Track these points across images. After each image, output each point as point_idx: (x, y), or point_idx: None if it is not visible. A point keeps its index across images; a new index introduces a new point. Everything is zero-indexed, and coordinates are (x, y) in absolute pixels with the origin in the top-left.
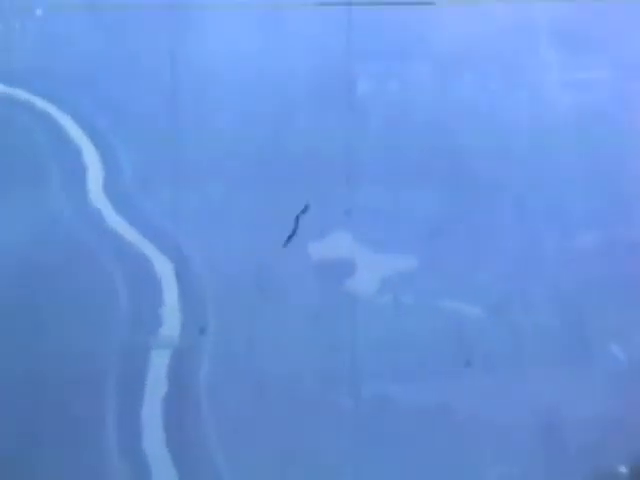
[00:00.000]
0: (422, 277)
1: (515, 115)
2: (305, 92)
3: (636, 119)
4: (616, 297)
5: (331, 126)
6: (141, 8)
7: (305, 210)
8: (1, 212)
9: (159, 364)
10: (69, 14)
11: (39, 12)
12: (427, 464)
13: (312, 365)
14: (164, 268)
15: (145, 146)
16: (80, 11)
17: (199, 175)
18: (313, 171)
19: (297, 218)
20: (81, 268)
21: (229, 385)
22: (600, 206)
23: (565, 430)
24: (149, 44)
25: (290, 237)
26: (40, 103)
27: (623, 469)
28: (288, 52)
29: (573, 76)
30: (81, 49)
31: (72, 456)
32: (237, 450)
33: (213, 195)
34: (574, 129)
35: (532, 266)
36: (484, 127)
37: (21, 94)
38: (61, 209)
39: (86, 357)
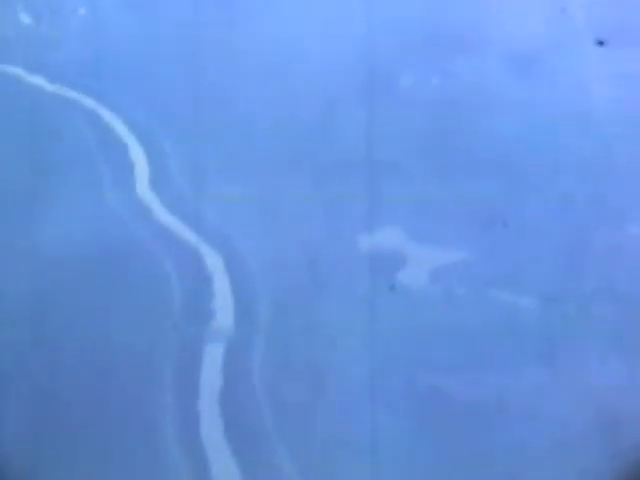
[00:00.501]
0: (474, 268)
1: (560, 106)
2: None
3: None
4: None
5: (375, 116)
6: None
7: None
8: (56, 209)
9: (214, 357)
10: (112, 11)
11: (82, 11)
12: (480, 457)
13: (367, 356)
14: (215, 262)
15: (191, 141)
16: (121, 8)
17: (246, 168)
18: (360, 162)
19: None
20: (134, 263)
21: (285, 377)
22: None
23: (622, 424)
24: (192, 36)
25: None
26: (87, 101)
27: None
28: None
29: (613, 69)
30: (124, 46)
31: (132, 448)
32: (295, 440)
33: (261, 188)
34: (619, 120)
35: (583, 256)
36: (530, 118)
37: (69, 92)
38: (113, 206)
39: (142, 350)
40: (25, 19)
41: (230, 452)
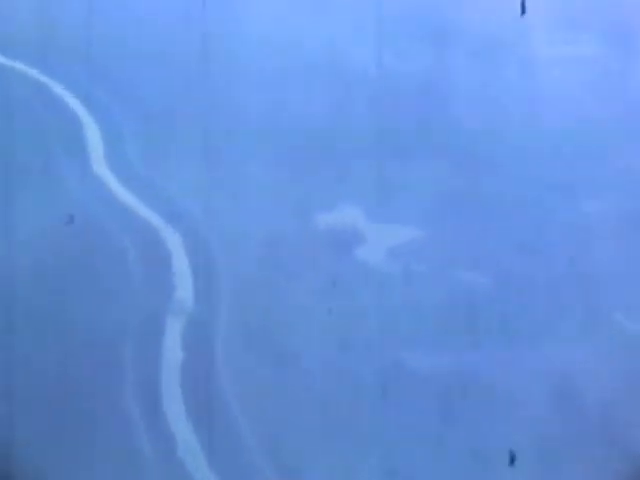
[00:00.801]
0: (432, 247)
1: (506, 92)
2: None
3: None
4: (625, 266)
5: (340, 99)
6: None
7: None
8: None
9: (175, 331)
10: None
11: None
12: (441, 429)
13: (328, 332)
14: (173, 238)
15: (148, 117)
16: None
17: (205, 145)
18: (322, 144)
19: None
20: (91, 240)
21: (246, 352)
22: (603, 174)
23: (579, 394)
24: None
25: None
26: (37, 75)
27: None
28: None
29: (562, 51)
30: (81, 20)
31: (94, 422)
32: (256, 414)
33: (220, 165)
34: (566, 103)
35: (540, 235)
36: (486, 105)
37: (19, 65)
38: (67, 183)
39: (102, 326)
40: None
41: (192, 425)
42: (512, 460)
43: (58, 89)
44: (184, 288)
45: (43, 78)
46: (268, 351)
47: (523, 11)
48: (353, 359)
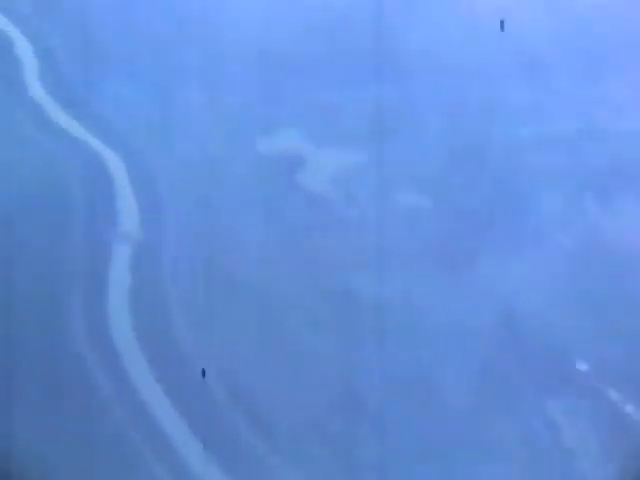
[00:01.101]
0: (373, 171)
1: None
2: None
3: None
4: (558, 184)
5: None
6: None
7: None
8: None
9: (122, 256)
10: None
11: None
12: (388, 351)
13: (268, 254)
14: (115, 164)
15: (83, 36)
16: None
17: (145, 69)
18: (263, 69)
19: None
20: (31, 166)
21: (191, 275)
22: (533, 97)
23: (520, 318)
24: None
25: None
26: None
27: (582, 366)
28: None
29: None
30: None
31: (43, 348)
32: (201, 334)
33: (161, 91)
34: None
35: (476, 158)
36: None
37: None
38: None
39: (49, 254)
40: None
41: (139, 347)
42: None
43: None
44: (129, 214)
45: None
46: (215, 274)
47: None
48: (296, 279)
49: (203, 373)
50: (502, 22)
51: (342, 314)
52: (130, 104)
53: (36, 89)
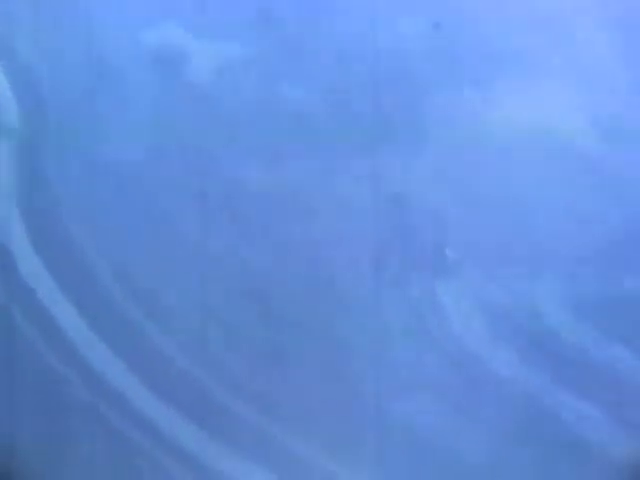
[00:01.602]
0: (259, 64)
1: None
2: None
3: None
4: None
5: None
6: None
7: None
8: None
9: (2, 155)
10: None
11: None
12: (277, 245)
13: (155, 142)
14: None
15: None
16: None
17: None
18: None
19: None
20: None
21: (77, 169)
22: None
23: (411, 210)
24: None
25: None
26: None
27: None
28: None
29: None
30: None
31: None
32: (106, 246)
33: None
34: None
35: (361, 59)
36: None
37: None
38: None
39: None
40: None
41: (33, 251)
42: None
43: None
44: (8, 111)
45: None
46: (100, 169)
47: None
48: (195, 175)
49: None
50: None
51: (229, 200)
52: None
53: None
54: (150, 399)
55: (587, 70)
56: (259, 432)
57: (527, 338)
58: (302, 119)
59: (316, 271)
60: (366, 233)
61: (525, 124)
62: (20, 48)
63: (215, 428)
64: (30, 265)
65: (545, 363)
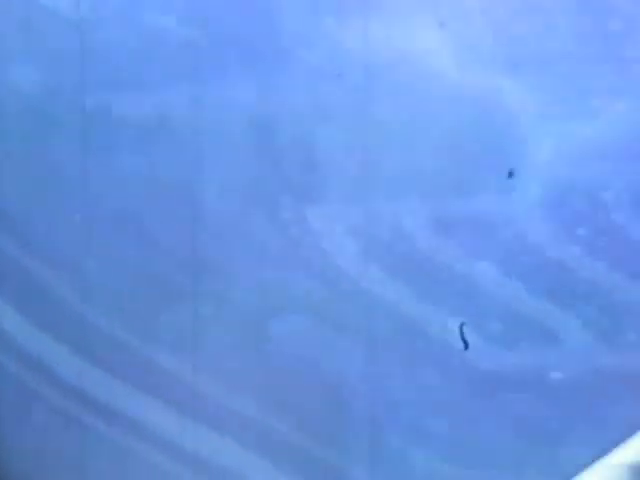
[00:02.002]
0: None
1: None
2: None
3: None
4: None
5: None
6: None
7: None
8: None
9: None
10: None
11: None
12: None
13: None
14: None
15: None
16: None
17: None
18: None
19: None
20: None
21: None
22: None
23: (279, 133)
24: None
25: None
26: None
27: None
28: None
29: None
30: None
31: None
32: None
33: None
34: None
35: None
36: None
37: None
38: None
39: None
40: None
41: None
42: None
43: None
44: None
45: None
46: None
47: None
48: (53, 104)
49: None
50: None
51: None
52: None
53: None
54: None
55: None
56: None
57: (396, 257)
58: (157, 45)
59: (186, 198)
60: (235, 159)
61: (385, 47)
62: None
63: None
64: None
65: (413, 280)
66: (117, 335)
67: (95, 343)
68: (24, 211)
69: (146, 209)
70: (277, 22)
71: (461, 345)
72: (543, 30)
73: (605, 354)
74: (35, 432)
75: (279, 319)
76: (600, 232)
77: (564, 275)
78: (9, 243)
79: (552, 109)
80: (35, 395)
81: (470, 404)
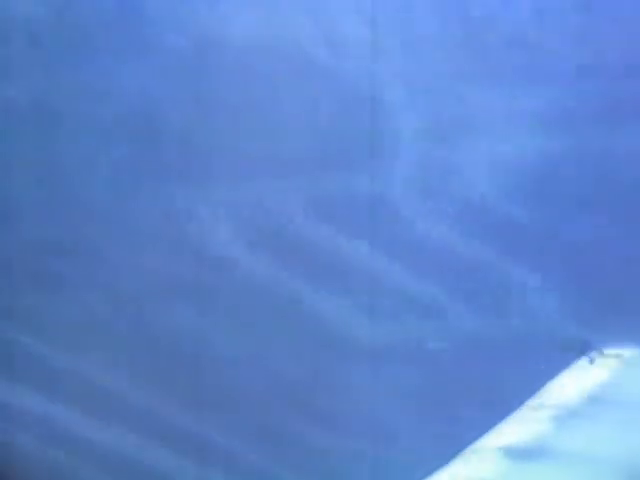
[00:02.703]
0: None
1: None
2: None
3: None
4: None
5: None
6: None
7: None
8: None
9: None
10: None
11: None
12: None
13: None
14: None
15: None
16: None
17: None
18: None
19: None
20: None
21: None
22: None
23: (157, 117)
24: None
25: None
26: None
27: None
28: None
29: None
30: None
31: None
32: None
33: None
34: None
35: None
36: None
37: None
38: None
39: None
40: None
41: None
42: None
43: None
44: None
45: None
46: None
47: None
48: None
49: None
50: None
51: None
52: None
53: None
54: None
55: None
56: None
57: (271, 237)
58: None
59: (64, 184)
60: (113, 149)
61: (258, 33)
62: None
63: None
64: None
65: (291, 260)
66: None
67: None
68: None
69: (21, 195)
70: (143, 8)
71: (345, 321)
72: (407, 16)
73: (485, 327)
74: None
75: (159, 301)
76: (470, 209)
77: (437, 251)
78: None
79: (416, 91)
80: None
81: (355, 378)
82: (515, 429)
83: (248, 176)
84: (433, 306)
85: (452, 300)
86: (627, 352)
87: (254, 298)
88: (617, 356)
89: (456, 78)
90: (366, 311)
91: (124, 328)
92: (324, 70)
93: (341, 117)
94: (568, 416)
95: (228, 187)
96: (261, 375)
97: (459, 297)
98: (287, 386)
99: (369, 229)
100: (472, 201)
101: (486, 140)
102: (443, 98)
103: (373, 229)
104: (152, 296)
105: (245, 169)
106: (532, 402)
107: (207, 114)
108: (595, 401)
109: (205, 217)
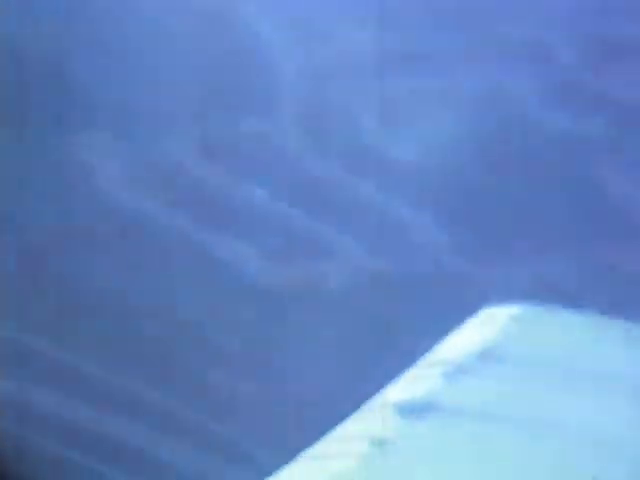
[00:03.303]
0: None
1: None
2: None
3: None
4: None
5: None
6: None
7: None
8: None
9: None
10: None
11: None
12: None
13: None
14: None
15: None
16: None
17: None
18: None
19: None
20: None
21: None
22: None
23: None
24: None
25: None
26: None
27: None
28: None
29: None
30: None
31: None
32: None
33: None
34: None
35: None
36: None
37: None
38: None
39: None
40: None
41: None
42: None
43: None
44: None
45: None
46: None
47: None
48: None
49: None
50: None
51: None
52: None
53: None
54: None
55: None
56: None
57: (168, 184)
58: None
59: None
60: (33, 101)
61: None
62: None
63: None
64: None
65: (191, 206)
66: None
67: None
68: None
69: None
70: None
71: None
72: None
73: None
74: None
75: (56, 249)
76: (356, 149)
77: (326, 191)
78: None
79: (296, 35)
80: None
81: (259, 322)
82: (408, 386)
83: (135, 120)
84: (327, 246)
85: (343, 239)
86: (516, 309)
87: (141, 239)
88: (507, 313)
89: (330, 20)
90: (259, 251)
91: (29, 282)
92: (214, 20)
93: (229, 63)
94: (459, 372)
95: (115, 133)
96: (168, 319)
97: (348, 235)
98: (193, 329)
99: (260, 172)
100: (358, 141)
101: (372, 78)
102: (318, 39)
103: (261, 168)
104: (50, 241)
105: (131, 114)
106: (425, 359)
107: (88, 58)
108: (485, 358)
109: (95, 164)
